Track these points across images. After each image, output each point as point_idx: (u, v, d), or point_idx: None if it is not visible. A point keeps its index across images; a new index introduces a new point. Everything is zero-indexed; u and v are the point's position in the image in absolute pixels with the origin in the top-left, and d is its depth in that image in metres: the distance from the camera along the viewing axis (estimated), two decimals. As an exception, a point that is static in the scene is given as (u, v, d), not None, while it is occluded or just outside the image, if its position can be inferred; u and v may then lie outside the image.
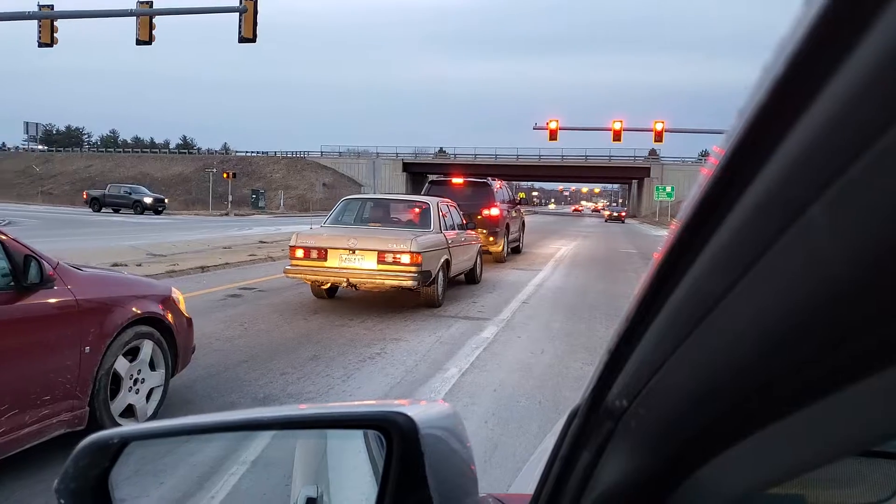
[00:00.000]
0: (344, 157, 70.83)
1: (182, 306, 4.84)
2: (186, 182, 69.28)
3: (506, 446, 4.32)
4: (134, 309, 4.18)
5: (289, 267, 8.87)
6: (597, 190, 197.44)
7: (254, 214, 47.60)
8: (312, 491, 1.04)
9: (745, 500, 0.44)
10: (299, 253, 8.77)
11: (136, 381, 4.24)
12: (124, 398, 4.14)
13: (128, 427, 0.83)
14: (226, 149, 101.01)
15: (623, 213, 64.98)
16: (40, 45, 22.41)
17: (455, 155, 74.99)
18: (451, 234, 9.90)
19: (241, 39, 20.34)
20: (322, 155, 74.06)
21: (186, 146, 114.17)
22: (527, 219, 22.30)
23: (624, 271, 15.51)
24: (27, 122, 77.16)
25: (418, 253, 8.36)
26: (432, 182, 16.19)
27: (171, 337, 4.55)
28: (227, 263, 13.37)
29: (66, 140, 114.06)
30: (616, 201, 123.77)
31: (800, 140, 0.29)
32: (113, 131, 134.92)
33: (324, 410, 0.88)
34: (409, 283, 8.36)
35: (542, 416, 4.99)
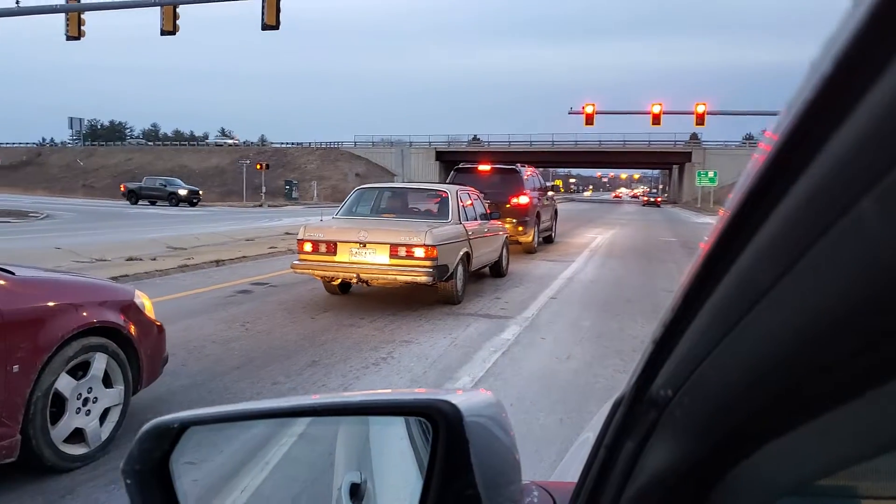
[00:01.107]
0: (377, 146, 70.23)
1: (149, 312, 4.27)
2: (223, 174, 69.66)
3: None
4: (82, 318, 3.61)
5: (296, 262, 8.31)
6: (636, 176, 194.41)
7: (287, 205, 47.52)
8: (356, 477, 1.04)
9: (790, 491, 0.44)
10: (307, 247, 8.19)
11: (85, 402, 3.68)
12: (69, 421, 3.58)
13: (187, 413, 0.84)
14: (262, 140, 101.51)
15: (658, 199, 68.76)
16: (68, 38, 22.31)
17: (489, 142, 74.02)
18: (471, 224, 9.22)
19: (265, 27, 19.87)
20: (355, 145, 73.75)
21: (225, 138, 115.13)
22: (562, 206, 21.55)
23: (663, 262, 14.63)
24: (71, 118, 78.59)
25: (433, 246, 7.70)
26: (458, 170, 15.50)
27: (133, 348, 3.97)
28: (244, 257, 12.95)
29: (109, 134, 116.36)
30: (656, 187, 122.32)
31: (850, 133, 0.30)
32: (154, 125, 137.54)
33: (371, 398, 0.92)
34: (424, 278, 7.71)
35: (563, 437, 4.29)
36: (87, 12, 21.96)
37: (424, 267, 7.73)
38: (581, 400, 5.06)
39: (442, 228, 8.23)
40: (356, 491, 1.02)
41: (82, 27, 22.12)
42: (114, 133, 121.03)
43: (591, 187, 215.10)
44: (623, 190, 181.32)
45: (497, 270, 11.00)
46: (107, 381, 3.83)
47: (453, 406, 0.70)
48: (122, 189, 46.04)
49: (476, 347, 6.51)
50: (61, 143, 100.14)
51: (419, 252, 7.73)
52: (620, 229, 26.18)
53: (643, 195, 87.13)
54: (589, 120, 32.88)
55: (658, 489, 0.54)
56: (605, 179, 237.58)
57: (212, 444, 0.94)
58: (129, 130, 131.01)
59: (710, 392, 0.46)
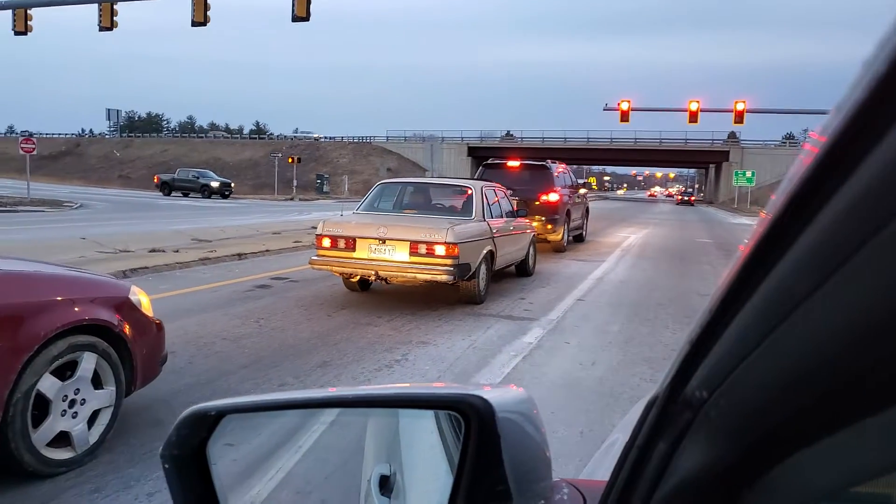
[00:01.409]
0: (409, 141, 70.07)
1: (146, 309, 4.06)
2: (256, 167, 70.25)
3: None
4: (69, 315, 3.41)
5: (315, 258, 8.10)
6: (672, 175, 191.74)
7: (318, 199, 47.65)
8: (385, 469, 1.03)
9: (825, 496, 0.44)
10: (326, 242, 7.97)
11: (71, 403, 3.48)
12: (53, 424, 3.38)
13: (224, 401, 0.85)
14: (296, 133, 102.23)
15: (692, 198, 69.54)
16: (101, 28, 22.50)
17: (522, 138, 73.37)
18: (496, 221, 8.91)
19: (295, 18, 19.78)
20: (387, 140, 73.77)
21: (259, 131, 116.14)
22: (595, 205, 21.13)
23: (697, 263, 14.16)
24: (108, 109, 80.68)
25: (455, 244, 7.42)
26: (486, 166, 15.19)
27: (126, 347, 3.77)
28: (267, 250, 12.81)
29: (146, 126, 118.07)
30: (692, 186, 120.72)
31: None
32: (190, 117, 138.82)
33: (402, 391, 0.94)
34: (444, 277, 7.43)
35: (583, 453, 3.97)
36: (119, 3, 22.11)
37: (445, 265, 7.46)
38: (604, 411, 4.75)
39: (464, 225, 7.94)
40: (385, 483, 1.02)
41: (115, 17, 22.30)
42: (151, 125, 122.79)
43: (625, 185, 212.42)
44: (658, 189, 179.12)
45: (523, 269, 10.68)
46: (96, 382, 3.63)
47: (485, 401, 0.71)
48: (155, 180, 46.60)
49: (496, 351, 6.23)
50: (100, 134, 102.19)
51: (440, 250, 7.45)
52: (654, 229, 25.61)
53: (677, 194, 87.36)
54: (624, 117, 32.46)
55: (690, 491, 0.54)
56: (640, 178, 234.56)
57: (250, 428, 0.96)
58: (165, 122, 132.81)
59: (746, 395, 0.47)
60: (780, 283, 0.40)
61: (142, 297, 4.07)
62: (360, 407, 0.92)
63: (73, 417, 3.49)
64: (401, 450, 1.07)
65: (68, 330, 3.40)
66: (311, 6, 19.64)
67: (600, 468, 0.93)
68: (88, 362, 3.54)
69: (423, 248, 7.51)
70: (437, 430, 0.95)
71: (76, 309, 3.47)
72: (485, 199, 8.80)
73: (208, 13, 20.83)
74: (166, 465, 0.81)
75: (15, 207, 25.59)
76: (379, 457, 1.08)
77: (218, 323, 6.84)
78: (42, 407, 3.35)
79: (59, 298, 3.41)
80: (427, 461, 1.01)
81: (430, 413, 0.94)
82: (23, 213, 24.07)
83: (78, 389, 3.51)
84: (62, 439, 3.46)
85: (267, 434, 1.08)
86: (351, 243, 7.82)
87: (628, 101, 32.70)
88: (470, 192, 8.76)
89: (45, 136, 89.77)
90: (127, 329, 3.77)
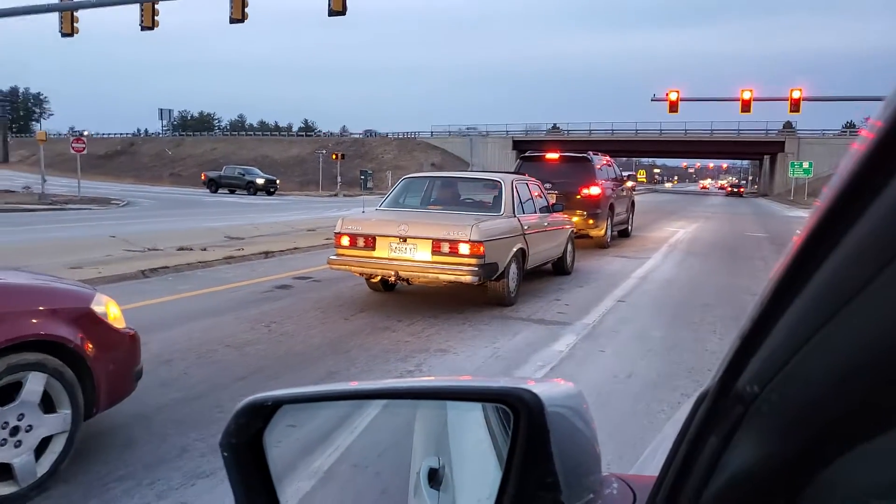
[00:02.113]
0: (453, 136, 69.50)
1: (114, 320, 3.61)
2: (303, 163, 70.76)
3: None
4: (9, 331, 2.97)
5: (333, 257, 7.63)
6: (724, 166, 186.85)
7: (362, 195, 47.59)
8: (434, 462, 1.04)
9: (883, 495, 0.43)
10: (344, 241, 7.49)
11: (14, 431, 3.04)
12: (-11, 456, 2.95)
13: (280, 391, 0.88)
14: (343, 131, 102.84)
15: (742, 189, 71.83)
16: (142, 28, 22.59)
17: (568, 131, 72.07)
18: (529, 217, 8.31)
19: (331, 13, 19.45)
20: (432, 135, 73.43)
21: (307, 129, 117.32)
22: (643, 198, 20.35)
23: (750, 259, 13.28)
24: (161, 109, 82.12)
25: (480, 242, 6.85)
26: (524, 158, 14.61)
27: (85, 364, 3.32)
28: (296, 248, 12.50)
29: (198, 125, 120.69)
30: (746, 178, 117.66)
31: None
32: (240, 116, 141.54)
33: (450, 383, 0.95)
34: (469, 278, 6.87)
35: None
36: (160, 2, 22.14)
37: (470, 265, 6.90)
38: (638, 433, 4.11)
39: (492, 222, 7.37)
40: (434, 476, 1.01)
41: (156, 17, 22.35)
42: (202, 124, 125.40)
43: (675, 178, 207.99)
44: (709, 181, 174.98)
45: (560, 267, 10.08)
46: (48, 405, 3.19)
47: (534, 395, 0.72)
48: (202, 178, 47.15)
49: (521, 360, 5.65)
50: (153, 133, 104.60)
51: (464, 248, 6.90)
52: (704, 223, 24.57)
53: (727, 185, 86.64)
54: (673, 107, 31.56)
55: (743, 487, 0.53)
56: (691, 170, 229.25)
57: (306, 418, 0.98)
58: (216, 121, 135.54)
59: (799, 390, 0.46)
60: (832, 276, 0.39)
61: (110, 307, 3.63)
62: (410, 399, 0.96)
63: (17, 447, 3.05)
64: (449, 442, 1.07)
65: (8, 348, 2.96)
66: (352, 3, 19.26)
67: (651, 463, 0.93)
68: (35, 384, 3.09)
69: (445, 247, 6.97)
70: (484, 423, 0.96)
71: (19, 323, 3.03)
72: (516, 194, 8.20)
73: (246, 10, 20.66)
74: (225, 454, 0.83)
75: (64, 206, 26.02)
76: (427, 449, 1.09)
77: (226, 327, 6.42)
78: (-24, 436, 2.92)
79: (-4, 312, 2.97)
80: (475, 454, 1.02)
81: (478, 406, 0.96)
82: (71, 210, 24.44)
83: (22, 415, 3.07)
84: (3, 472, 3.02)
85: (323, 419, 1.08)
86: (371, 241, 7.32)
87: (677, 91, 31.73)
88: (499, 185, 8.17)
89: (101, 135, 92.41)
90: (87, 344, 3.32)
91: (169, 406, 4.38)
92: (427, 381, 1.02)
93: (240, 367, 5.26)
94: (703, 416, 0.58)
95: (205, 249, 11.48)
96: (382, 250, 7.26)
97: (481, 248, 6.86)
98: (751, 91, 29.88)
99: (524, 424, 0.70)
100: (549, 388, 0.75)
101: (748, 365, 0.51)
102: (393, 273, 7.18)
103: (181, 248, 11.41)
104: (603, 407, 4.60)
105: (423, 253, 7.09)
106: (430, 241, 7.02)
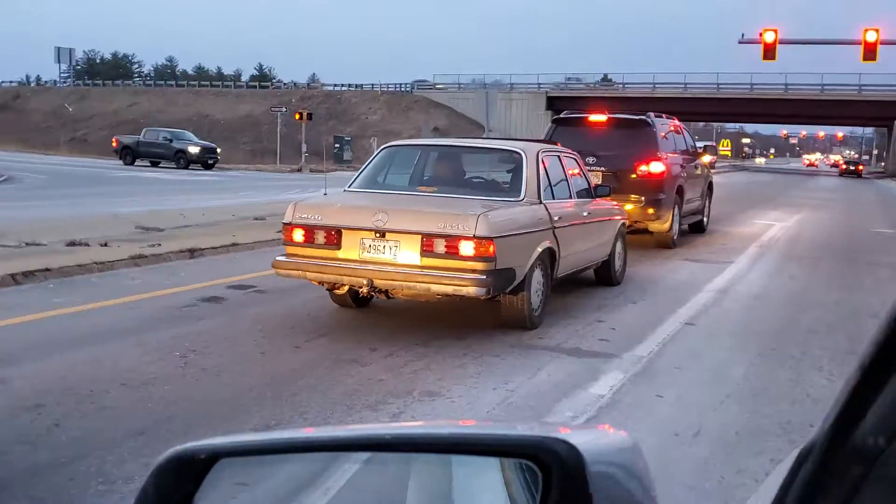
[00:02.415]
0: (464, 90, 69.94)
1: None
2: (257, 126, 71.54)
3: None
4: None
5: (281, 258, 7.62)
6: (839, 135, 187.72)
7: (336, 170, 47.73)
8: None
9: None
10: (297, 235, 7.46)
11: None
12: None
13: (219, 439, 0.89)
14: (312, 82, 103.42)
15: (861, 166, 73.85)
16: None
17: (624, 84, 72.44)
18: (561, 204, 8.34)
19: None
20: (434, 88, 73.81)
21: (262, 78, 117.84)
22: (725, 178, 20.62)
23: (874, 267, 13.41)
24: (59, 48, 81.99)
25: (489, 238, 6.78)
26: (558, 121, 14.77)
27: None
28: (234, 244, 12.63)
29: (111, 71, 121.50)
30: (868, 152, 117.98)
31: None
32: (170, 59, 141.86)
33: (458, 430, 1.04)
34: (473, 290, 6.78)
35: None
36: None
37: (475, 272, 6.83)
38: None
39: (507, 210, 7.39)
40: None
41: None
42: (117, 69, 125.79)
43: (772, 151, 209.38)
44: (818, 156, 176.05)
45: (606, 275, 10.18)
46: None
47: (572, 448, 0.74)
48: (114, 144, 47.43)
49: (543, 410, 5.62)
50: (48, 81, 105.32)
51: (467, 248, 6.82)
52: (810, 213, 24.88)
53: (842, 162, 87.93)
54: (769, 52, 32.19)
55: None
56: (793, 140, 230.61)
57: (255, 476, 1.00)
58: (136, 66, 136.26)
59: None
60: None
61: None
62: (401, 451, 0.96)
63: None
64: None
65: None
66: None
67: None
68: None
69: (440, 246, 6.91)
70: (503, 486, 0.98)
71: None
72: (543, 171, 8.17)
73: None
74: None
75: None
76: None
77: (124, 358, 6.38)
78: None
79: None
80: None
81: (495, 462, 0.97)
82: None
83: None
84: None
85: (285, 475, 1.08)
86: (334, 237, 7.26)
87: (774, 31, 32.36)
88: (520, 159, 8.08)
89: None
90: None
91: (29, 475, 4.27)
92: (426, 426, 1.06)
93: (139, 416, 5.20)
94: (809, 478, 0.61)
95: (105, 245, 11.53)
96: (351, 249, 7.21)
97: (491, 248, 6.78)
98: (877, 31, 30.38)
99: (557, 487, 0.73)
100: (592, 439, 0.79)
101: (869, 411, 0.53)
102: (365, 282, 7.10)
103: (72, 244, 11.43)
104: (657, 480, 4.44)
105: (408, 254, 7.04)
106: (419, 236, 6.96)
